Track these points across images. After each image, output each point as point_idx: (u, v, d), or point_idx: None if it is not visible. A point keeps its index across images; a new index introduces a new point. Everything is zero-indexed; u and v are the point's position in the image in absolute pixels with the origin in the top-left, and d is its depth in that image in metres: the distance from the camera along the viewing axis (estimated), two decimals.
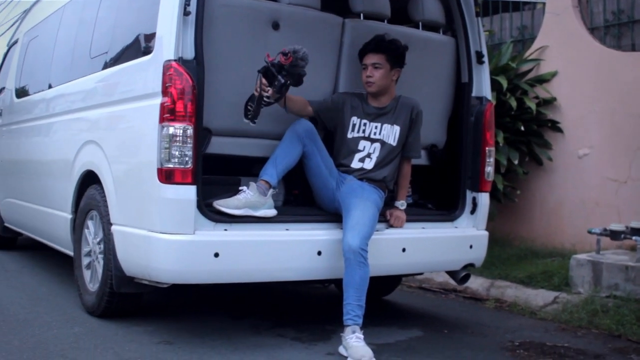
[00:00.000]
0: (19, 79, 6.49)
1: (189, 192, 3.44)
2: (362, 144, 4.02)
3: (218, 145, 3.83)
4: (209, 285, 3.90)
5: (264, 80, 3.57)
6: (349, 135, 4.00)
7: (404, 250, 4.03)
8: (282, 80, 3.53)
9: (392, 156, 4.08)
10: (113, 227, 3.85)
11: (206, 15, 3.61)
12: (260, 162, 3.94)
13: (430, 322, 4.54)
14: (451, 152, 4.57)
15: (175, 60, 3.45)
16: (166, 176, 3.42)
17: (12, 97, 6.53)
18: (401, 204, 4.15)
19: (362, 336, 3.49)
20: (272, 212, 3.68)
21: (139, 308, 4.21)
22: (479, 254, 4.42)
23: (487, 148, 4.44)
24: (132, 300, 4.10)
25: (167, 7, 3.53)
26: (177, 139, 3.40)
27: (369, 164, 4.01)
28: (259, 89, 3.58)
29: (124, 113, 3.89)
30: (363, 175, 3.97)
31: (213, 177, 3.97)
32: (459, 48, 4.54)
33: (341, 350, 3.55)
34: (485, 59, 4.56)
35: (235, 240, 3.54)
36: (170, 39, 3.48)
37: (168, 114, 3.42)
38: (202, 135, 3.57)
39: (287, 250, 3.67)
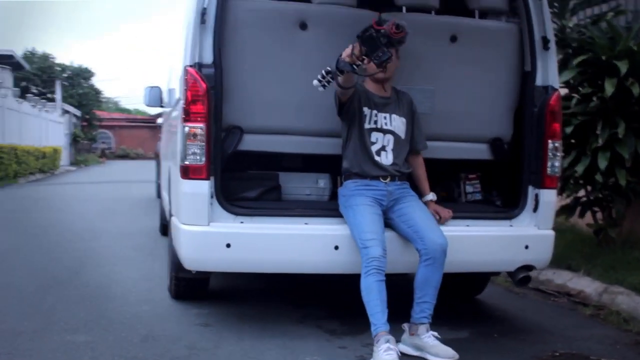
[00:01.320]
0: None
1: (203, 187, 3.73)
2: (375, 135, 3.91)
3: (250, 143, 4.06)
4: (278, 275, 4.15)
5: (362, 49, 3.33)
6: (364, 126, 3.90)
7: None
8: (389, 54, 3.31)
9: (403, 150, 3.98)
10: (171, 218, 4.30)
11: (232, 20, 3.87)
12: (296, 157, 4.12)
13: (488, 325, 4.33)
14: (517, 146, 4.32)
15: (191, 65, 3.76)
16: (184, 172, 3.75)
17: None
18: (433, 195, 4.04)
19: (437, 334, 3.60)
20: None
21: (206, 292, 4.62)
22: (538, 255, 4.13)
23: (550, 141, 4.13)
24: (196, 284, 4.51)
25: (188, 17, 3.85)
26: (192, 138, 3.71)
27: (386, 158, 3.91)
28: (351, 56, 3.36)
29: (174, 115, 4.30)
30: (388, 173, 3.90)
31: (251, 172, 4.24)
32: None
33: (404, 348, 3.61)
34: (552, 44, 4.23)
35: (248, 233, 3.76)
36: (188, 46, 3.80)
37: (184, 115, 3.74)
38: (219, 134, 3.82)
39: (303, 244, 3.79)
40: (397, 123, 3.94)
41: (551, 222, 4.21)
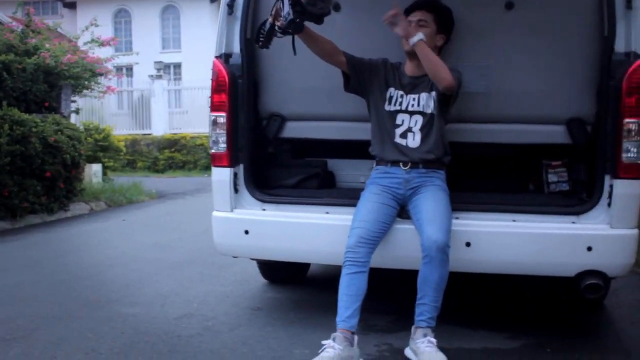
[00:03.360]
0: None
1: (225, 174, 3.80)
2: (401, 117, 3.55)
3: (293, 130, 4.04)
4: None
5: (278, 8, 3.26)
6: (387, 108, 3.58)
7: (468, 244, 3.48)
8: (291, 16, 3.19)
9: (436, 128, 3.52)
10: None
11: (264, 8, 3.87)
12: (340, 145, 3.99)
13: (559, 337, 3.70)
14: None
15: (217, 56, 3.85)
16: (211, 159, 3.88)
17: None
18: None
19: (434, 340, 3.26)
20: None
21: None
22: (606, 259, 3.42)
23: (627, 120, 3.37)
24: (273, 268, 4.62)
25: (221, 9, 3.94)
26: (215, 126, 3.81)
27: (413, 141, 3.52)
28: (272, 16, 3.30)
29: None
30: (409, 158, 3.55)
31: (298, 160, 4.20)
32: None
33: (408, 353, 3.37)
34: (638, 1, 3.43)
35: (265, 220, 3.74)
36: (216, 38, 3.90)
37: (210, 104, 3.86)
38: (250, 123, 3.85)
39: (322, 234, 3.66)
40: (426, 100, 3.55)
41: (631, 220, 3.44)
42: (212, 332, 3.71)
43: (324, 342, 3.18)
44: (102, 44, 10.61)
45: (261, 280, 4.79)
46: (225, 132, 3.79)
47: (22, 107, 8.79)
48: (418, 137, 3.54)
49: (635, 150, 3.38)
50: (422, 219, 3.34)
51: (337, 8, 3.85)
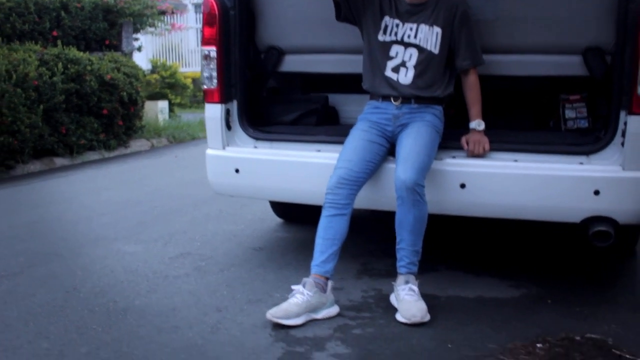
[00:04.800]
0: None
1: (217, 111, 3.65)
2: (395, 49, 3.27)
3: (292, 64, 3.85)
4: None
5: None
6: (380, 38, 3.29)
7: (462, 186, 3.22)
8: None
9: (436, 67, 3.24)
10: None
11: None
12: (345, 79, 3.74)
13: (563, 287, 3.40)
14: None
15: None
16: (204, 95, 3.74)
17: None
18: (477, 124, 3.26)
19: (416, 289, 3.08)
20: (335, 310, 3.07)
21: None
22: (614, 204, 3.08)
23: None
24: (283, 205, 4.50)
25: None
26: (206, 61, 3.65)
27: (405, 77, 3.25)
28: None
29: None
30: (400, 93, 3.28)
31: (298, 95, 4.00)
32: None
33: (392, 299, 3.20)
34: None
35: (255, 158, 3.59)
36: None
37: (202, 37, 3.70)
38: (246, 57, 3.67)
39: (313, 172, 3.46)
40: (426, 34, 3.25)
41: None
42: (201, 272, 3.64)
43: (293, 287, 3.04)
44: None
45: (277, 219, 4.68)
46: (216, 67, 3.63)
47: (81, 45, 8.92)
48: (411, 73, 3.27)
49: None
50: (398, 157, 3.11)
51: None
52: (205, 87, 3.69)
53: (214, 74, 3.63)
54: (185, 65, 16.13)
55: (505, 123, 3.62)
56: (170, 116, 11.12)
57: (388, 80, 3.29)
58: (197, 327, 2.89)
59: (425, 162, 3.06)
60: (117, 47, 9.54)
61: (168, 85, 11.99)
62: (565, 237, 4.26)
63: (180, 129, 10.16)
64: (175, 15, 11.82)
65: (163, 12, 10.78)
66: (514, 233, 4.40)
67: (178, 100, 11.80)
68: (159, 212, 5.08)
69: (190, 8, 17.36)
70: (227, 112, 3.65)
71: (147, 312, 3.07)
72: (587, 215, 3.12)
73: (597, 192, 3.08)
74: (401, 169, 3.02)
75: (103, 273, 3.62)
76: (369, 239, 4.17)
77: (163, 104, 11.00)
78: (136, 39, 10.32)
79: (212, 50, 3.62)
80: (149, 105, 10.15)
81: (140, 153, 8.82)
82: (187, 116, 11.58)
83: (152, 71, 12.34)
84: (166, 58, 15.18)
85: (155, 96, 11.08)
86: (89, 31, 9.09)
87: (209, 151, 3.72)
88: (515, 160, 3.22)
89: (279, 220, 4.66)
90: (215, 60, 3.62)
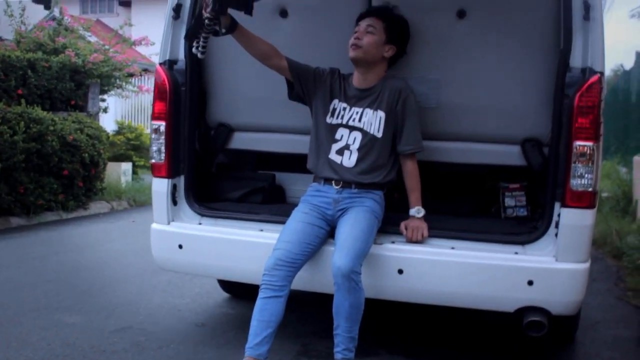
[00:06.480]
0: None
1: (164, 185, 3.68)
2: (340, 132, 3.35)
3: (241, 141, 3.90)
4: None
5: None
6: (328, 121, 3.38)
7: (400, 272, 3.25)
8: (202, 24, 3.04)
9: (379, 150, 3.32)
10: None
11: None
12: (294, 158, 3.79)
13: None
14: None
15: (161, 63, 3.73)
16: (151, 169, 3.76)
17: None
18: (416, 210, 3.32)
19: None
20: None
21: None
22: (548, 295, 3.13)
23: (577, 142, 3.08)
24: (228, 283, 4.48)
25: (166, 13, 3.81)
26: (155, 135, 3.69)
27: (349, 160, 3.32)
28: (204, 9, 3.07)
29: None
30: (341, 177, 3.34)
31: (246, 173, 4.05)
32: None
33: None
34: (597, 12, 3.14)
35: (197, 235, 3.59)
36: (161, 44, 3.77)
37: (152, 111, 3.74)
38: (194, 132, 3.72)
39: (255, 252, 3.46)
40: (370, 118, 3.34)
41: (580, 253, 3.14)
42: (139, 348, 3.59)
43: None
44: (133, 43, 10.69)
45: (224, 293, 4.65)
46: (164, 142, 3.67)
47: (46, 104, 8.92)
48: (354, 156, 3.34)
49: (587, 176, 3.09)
50: (336, 243, 3.16)
51: (283, 14, 3.69)
52: (153, 161, 3.71)
53: (163, 148, 3.67)
54: None
55: (447, 209, 3.68)
56: (133, 178, 11.10)
57: (331, 163, 3.36)
58: None
59: (362, 249, 3.10)
60: (82, 108, 9.56)
61: (133, 147, 12.01)
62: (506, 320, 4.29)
63: (142, 192, 10.11)
64: (143, 77, 11.92)
65: (131, 75, 10.88)
66: (458, 316, 4.41)
67: (142, 163, 11.80)
68: (106, 280, 5.03)
69: None
70: (174, 187, 3.68)
71: None
72: (521, 305, 3.17)
73: (530, 283, 3.13)
74: (338, 256, 3.05)
75: (39, 346, 3.55)
76: (312, 317, 4.17)
77: (126, 166, 10.99)
78: (103, 100, 10.37)
79: (162, 125, 3.67)
80: (112, 167, 10.13)
81: (99, 216, 8.75)
82: (150, 178, 11.53)
83: (118, 132, 12.35)
84: (134, 119, 15.25)
85: (120, 157, 11.05)
86: (55, 91, 9.12)
87: (154, 225, 3.72)
88: (453, 248, 3.28)
89: (225, 295, 4.64)
90: (164, 135, 3.66)
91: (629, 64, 16.20)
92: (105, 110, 10.37)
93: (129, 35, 10.82)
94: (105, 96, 10.53)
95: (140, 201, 9.83)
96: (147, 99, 16.04)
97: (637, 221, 7.74)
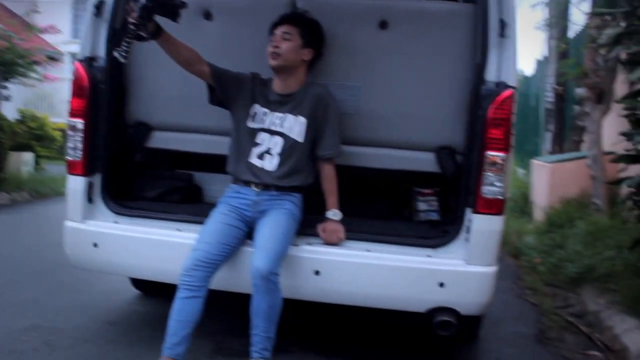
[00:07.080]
0: None
1: (79, 183, 3.62)
2: (261, 136, 3.41)
3: (160, 140, 3.88)
4: None
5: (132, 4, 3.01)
6: (248, 125, 3.43)
7: (317, 273, 3.34)
8: (144, 1, 2.97)
9: (300, 155, 3.40)
10: None
11: None
12: (213, 159, 3.80)
13: None
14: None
15: (80, 60, 3.66)
16: (67, 167, 3.69)
17: None
18: (333, 213, 3.41)
19: None
20: None
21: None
22: (458, 296, 3.29)
23: (489, 152, 3.24)
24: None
25: (88, 9, 3.74)
26: (72, 132, 3.62)
27: (270, 164, 3.39)
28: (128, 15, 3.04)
29: None
30: (261, 181, 3.41)
31: (164, 172, 4.04)
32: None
33: None
34: (512, 30, 3.31)
35: (113, 234, 3.56)
36: (81, 40, 3.70)
37: (69, 108, 3.67)
38: (112, 130, 3.68)
39: (172, 252, 3.46)
40: (291, 123, 3.41)
41: (489, 257, 3.31)
42: (50, 347, 3.53)
43: None
44: (40, 31, 10.33)
45: (135, 291, 4.61)
46: (81, 139, 3.60)
47: None
48: (275, 161, 3.40)
49: (497, 185, 3.26)
50: (255, 245, 3.21)
51: (208, 17, 3.70)
52: (69, 158, 3.64)
53: (80, 145, 3.60)
54: (58, 115, 15.66)
55: (364, 212, 3.80)
56: (36, 169, 10.73)
57: (251, 166, 3.40)
58: None
59: (280, 251, 3.17)
60: None
61: (35, 137, 11.60)
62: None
63: (45, 184, 9.80)
64: (49, 66, 11.54)
65: (37, 62, 10.50)
66: (371, 314, 4.55)
67: (45, 153, 11.42)
68: (11, 277, 4.88)
69: (67, 59, 16.98)
70: (90, 185, 3.62)
71: None
72: (432, 306, 3.31)
73: (441, 284, 3.28)
74: (257, 257, 3.11)
75: None
76: (226, 314, 4.19)
77: (28, 156, 10.62)
78: (4, 87, 9.96)
79: (79, 123, 3.60)
80: (13, 157, 9.76)
81: None
82: (54, 169, 11.18)
83: (21, 121, 11.90)
84: (38, 108, 14.70)
85: (22, 147, 10.65)
86: None
87: (68, 223, 3.65)
88: (368, 250, 3.39)
89: (136, 292, 4.59)
90: (81, 133, 3.60)
91: (529, 70, 16.95)
92: (7, 98, 9.97)
93: (36, 23, 10.40)
94: (7, 84, 10.10)
95: (42, 193, 9.53)
96: (53, 88, 15.54)
97: (533, 222, 8.15)
